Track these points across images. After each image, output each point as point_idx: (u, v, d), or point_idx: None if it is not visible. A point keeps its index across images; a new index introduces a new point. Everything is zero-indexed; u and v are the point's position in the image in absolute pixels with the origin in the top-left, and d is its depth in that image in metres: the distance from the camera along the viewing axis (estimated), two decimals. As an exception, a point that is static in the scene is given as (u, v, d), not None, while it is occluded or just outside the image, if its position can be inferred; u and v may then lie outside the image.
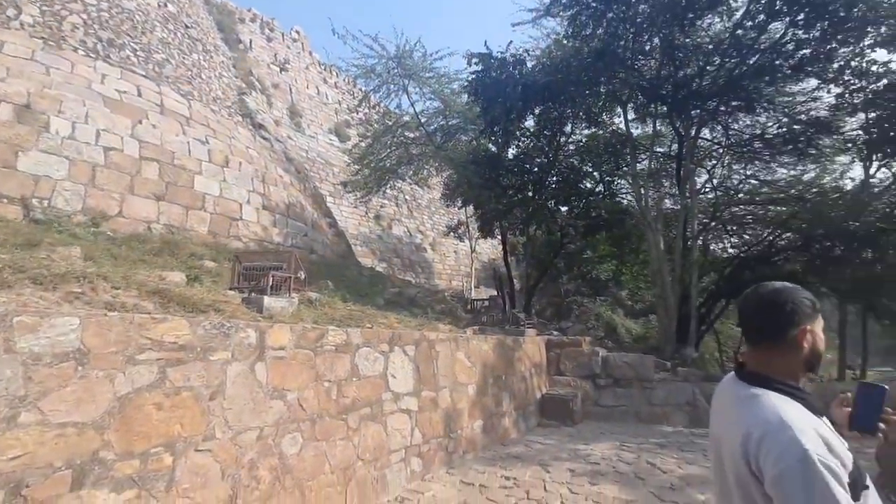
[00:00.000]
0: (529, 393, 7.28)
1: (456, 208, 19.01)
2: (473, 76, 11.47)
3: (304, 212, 11.41)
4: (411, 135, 15.24)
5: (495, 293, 16.03)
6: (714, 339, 14.60)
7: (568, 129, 13.06)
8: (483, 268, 23.18)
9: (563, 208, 14.45)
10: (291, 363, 3.52)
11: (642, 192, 11.23)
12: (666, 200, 13.69)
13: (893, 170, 10.25)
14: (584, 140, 13.60)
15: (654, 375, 7.74)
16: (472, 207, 15.68)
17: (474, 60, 11.25)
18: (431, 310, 9.06)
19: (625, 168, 12.65)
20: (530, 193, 13.31)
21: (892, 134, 9.71)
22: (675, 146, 11.99)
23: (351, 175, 16.34)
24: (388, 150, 15.17)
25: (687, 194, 10.75)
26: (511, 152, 13.93)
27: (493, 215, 13.47)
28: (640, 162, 12.39)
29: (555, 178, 13.62)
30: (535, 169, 13.36)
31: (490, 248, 24.20)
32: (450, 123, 14.71)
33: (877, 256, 9.50)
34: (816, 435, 0.98)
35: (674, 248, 10.81)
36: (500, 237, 15.76)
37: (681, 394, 7.29)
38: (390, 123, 15.37)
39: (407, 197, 21.24)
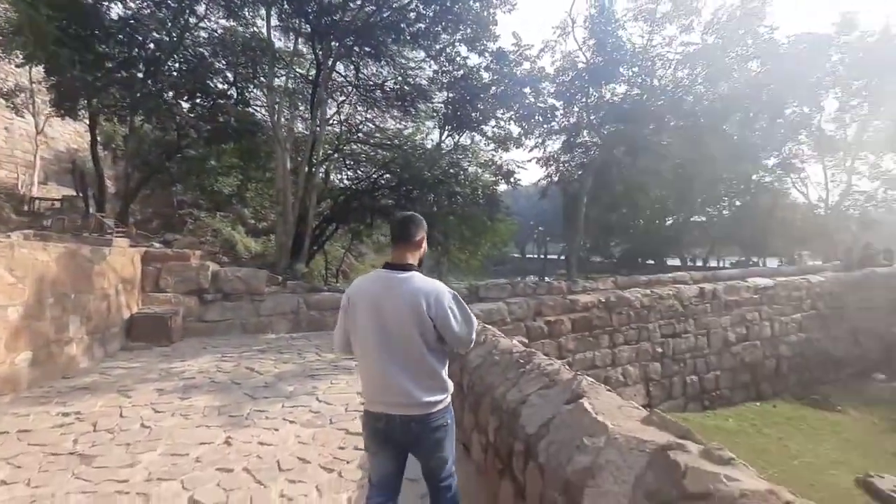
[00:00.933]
0: (114, 313, 6.09)
1: (11, 65, 12.86)
2: None
3: None
4: None
5: (75, 193, 12.33)
6: (323, 258, 16.58)
7: (201, 9, 10.98)
8: (58, 159, 17.10)
9: (186, 104, 12.31)
10: None
11: (276, 108, 10.99)
12: (298, 124, 13.98)
13: (455, 140, 14.22)
14: (219, 31, 11.81)
15: (266, 288, 8.03)
16: (42, 70, 10.98)
17: None
18: (-58, 203, 5.95)
19: (262, 79, 11.92)
20: (141, 74, 10.57)
21: (458, 114, 13.33)
22: (313, 71, 12.22)
23: None
24: None
25: (318, 121, 11.29)
26: (116, 11, 10.49)
27: (80, 89, 9.96)
28: (278, 77, 11.98)
29: (178, 66, 11.31)
30: (152, 45, 10.64)
31: (72, 134, 18.04)
32: (-1, -78, 9.48)
33: (435, 200, 13.10)
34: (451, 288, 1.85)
35: (299, 171, 11.26)
36: (87, 121, 11.95)
37: (287, 304, 7.91)
38: None
39: None
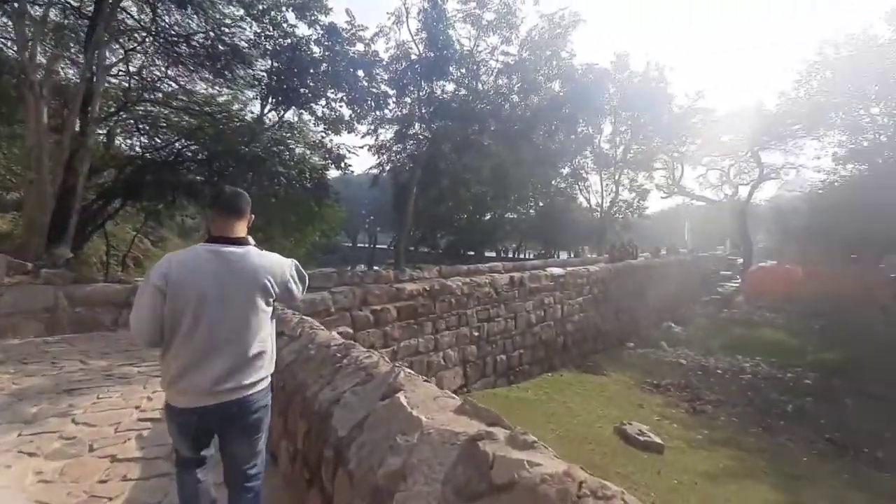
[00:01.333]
0: None
1: None
2: None
3: None
4: None
5: None
6: (105, 242, 13.47)
7: None
8: None
9: None
10: None
11: (31, 42, 8.35)
12: (68, 69, 10.93)
13: (280, 115, 12.96)
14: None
15: (6, 279, 6.03)
16: None
17: None
18: None
19: (14, 4, 8.92)
20: None
21: (284, 86, 12.17)
22: (91, 7, 9.66)
23: None
24: None
25: (94, 68, 8.96)
26: None
27: None
28: (38, 4, 9.17)
29: None
30: None
31: None
32: None
33: (255, 179, 11.75)
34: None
35: (66, 129, 8.80)
36: None
37: (39, 299, 6.05)
38: None
39: None
